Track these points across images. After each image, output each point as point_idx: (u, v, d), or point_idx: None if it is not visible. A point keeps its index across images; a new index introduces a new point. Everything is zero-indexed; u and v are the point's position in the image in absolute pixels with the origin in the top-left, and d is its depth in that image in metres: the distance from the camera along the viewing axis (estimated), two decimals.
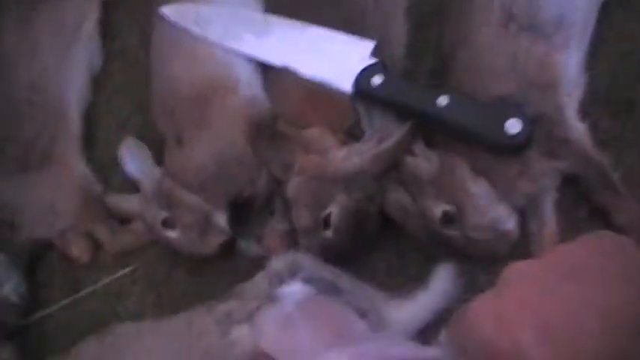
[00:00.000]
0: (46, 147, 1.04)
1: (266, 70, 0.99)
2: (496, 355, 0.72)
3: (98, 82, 1.12)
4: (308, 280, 0.86)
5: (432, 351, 0.80)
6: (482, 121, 0.84)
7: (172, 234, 0.95)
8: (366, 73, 0.91)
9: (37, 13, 1.09)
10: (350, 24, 0.94)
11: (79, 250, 1.02)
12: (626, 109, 0.89)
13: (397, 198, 0.88)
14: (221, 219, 0.94)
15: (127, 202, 1.01)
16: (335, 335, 0.82)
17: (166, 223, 0.95)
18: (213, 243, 0.93)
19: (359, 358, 0.79)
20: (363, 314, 0.84)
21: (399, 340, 0.84)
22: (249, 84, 0.98)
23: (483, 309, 0.76)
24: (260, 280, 0.88)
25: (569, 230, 0.85)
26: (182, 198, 0.94)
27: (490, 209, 0.84)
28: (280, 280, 0.87)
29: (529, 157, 0.84)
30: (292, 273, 0.87)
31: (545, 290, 0.74)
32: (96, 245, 1.03)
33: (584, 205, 0.87)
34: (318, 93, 0.94)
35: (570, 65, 0.87)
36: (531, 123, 0.83)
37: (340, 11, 0.95)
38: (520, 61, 0.86)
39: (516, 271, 0.78)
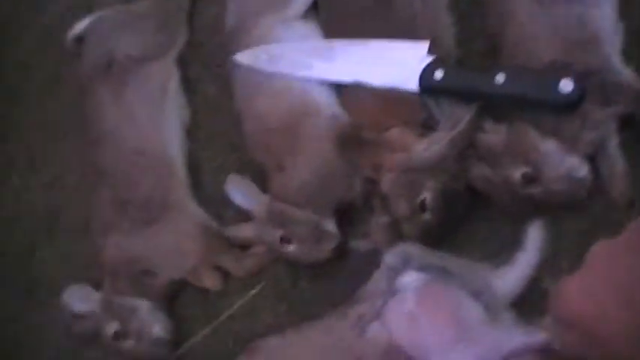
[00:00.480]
0: (162, 199, 1.21)
1: (339, 89, 1.14)
2: (584, 323, 0.79)
3: (191, 132, 1.28)
4: (420, 268, 0.99)
5: (541, 336, 0.90)
6: (538, 87, 0.97)
7: (290, 248, 1.10)
8: (427, 71, 1.05)
9: (128, 85, 1.27)
10: (402, 30, 1.09)
11: (210, 281, 1.19)
12: None
13: (479, 172, 1.02)
14: (330, 226, 1.09)
15: (244, 231, 1.17)
16: (455, 326, 0.94)
17: (283, 240, 1.10)
18: (327, 248, 1.09)
19: (481, 356, 0.92)
20: (476, 295, 0.97)
21: (511, 329, 0.96)
22: (328, 105, 1.13)
23: (572, 287, 0.82)
24: (378, 277, 1.01)
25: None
26: (293, 214, 1.09)
27: (562, 161, 0.97)
28: (396, 272, 1.00)
29: (587, 109, 0.97)
30: (405, 263, 1.00)
31: (628, 266, 0.79)
32: (224, 274, 1.19)
33: None
34: (389, 98, 1.08)
35: (606, 17, 1.00)
36: (582, 79, 0.96)
37: (392, 21, 1.10)
38: (560, 26, 0.99)
39: (601, 248, 0.83)
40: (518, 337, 0.92)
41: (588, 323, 0.77)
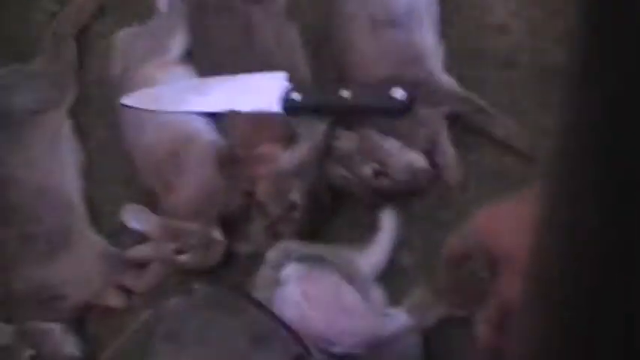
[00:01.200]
0: (64, 232, 1.39)
1: (217, 117, 1.36)
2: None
3: (87, 172, 1.47)
4: (300, 260, 1.21)
5: (408, 321, 1.11)
6: (376, 97, 1.24)
7: (184, 258, 1.30)
8: (287, 94, 1.30)
9: (25, 134, 1.44)
10: (264, 64, 1.33)
11: (115, 300, 1.36)
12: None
13: (337, 172, 1.26)
14: (216, 234, 1.30)
15: (141, 250, 1.36)
16: (338, 310, 1.15)
17: (177, 251, 1.30)
18: (216, 253, 1.29)
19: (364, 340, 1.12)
20: (349, 279, 1.19)
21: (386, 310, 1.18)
22: (206, 132, 1.36)
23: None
24: (264, 271, 1.22)
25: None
26: (183, 227, 1.29)
27: (403, 156, 1.22)
28: (279, 265, 1.21)
29: (419, 112, 1.23)
30: (286, 257, 1.22)
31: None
32: (127, 292, 1.36)
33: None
34: (258, 121, 1.32)
35: (427, 37, 1.27)
36: (413, 89, 1.23)
37: (254, 57, 1.34)
38: (391, 49, 1.25)
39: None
40: (397, 319, 1.13)
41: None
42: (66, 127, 1.48)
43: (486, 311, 0.84)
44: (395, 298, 1.17)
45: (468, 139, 1.26)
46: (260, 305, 1.14)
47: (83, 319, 1.38)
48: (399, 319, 1.09)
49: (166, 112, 1.37)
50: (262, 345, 1.07)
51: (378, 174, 1.23)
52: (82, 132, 1.51)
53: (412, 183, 1.23)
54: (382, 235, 1.23)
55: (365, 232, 1.25)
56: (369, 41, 1.27)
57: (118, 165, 1.46)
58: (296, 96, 1.29)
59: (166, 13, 1.47)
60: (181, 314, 1.12)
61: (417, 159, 1.23)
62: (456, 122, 1.25)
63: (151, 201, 1.36)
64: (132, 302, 1.36)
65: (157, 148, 1.36)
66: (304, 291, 1.14)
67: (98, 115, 1.52)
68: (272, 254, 1.22)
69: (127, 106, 1.41)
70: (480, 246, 0.84)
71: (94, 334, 1.38)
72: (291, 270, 1.19)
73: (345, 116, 1.28)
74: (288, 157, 1.27)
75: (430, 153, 1.25)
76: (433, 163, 1.25)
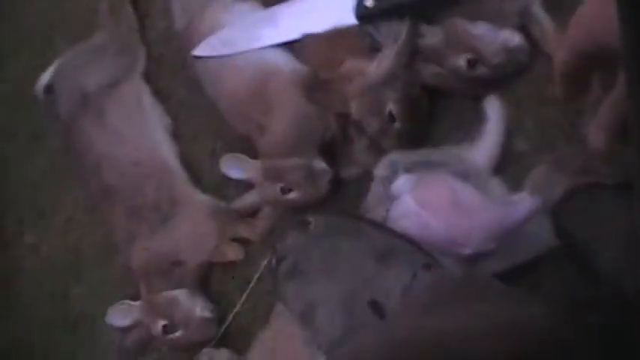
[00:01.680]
0: (169, 197, 1.46)
1: (291, 45, 1.40)
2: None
3: (176, 133, 1.55)
4: (409, 169, 1.24)
5: (533, 201, 1.12)
6: None
7: (292, 195, 1.35)
8: (359, 3, 1.31)
9: (106, 111, 1.53)
10: None
11: (232, 253, 1.44)
12: None
13: (429, 71, 1.27)
14: (320, 164, 1.33)
15: (248, 198, 1.42)
16: (458, 210, 1.18)
17: (284, 191, 1.35)
18: (323, 184, 1.33)
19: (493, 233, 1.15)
20: (464, 176, 1.22)
21: (507, 198, 1.21)
22: (285, 62, 1.38)
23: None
24: (374, 189, 1.24)
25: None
26: (285, 165, 1.34)
27: (496, 37, 1.22)
28: (389, 180, 1.25)
29: None
30: (394, 170, 1.25)
31: None
32: (243, 243, 1.44)
33: None
34: (334, 37, 1.35)
35: None
36: None
37: None
38: None
39: None
40: (521, 203, 1.13)
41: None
42: (145, 93, 1.56)
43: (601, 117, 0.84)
44: (516, 184, 1.20)
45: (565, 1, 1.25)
46: (376, 224, 1.17)
47: (207, 280, 1.48)
48: (523, 202, 1.11)
49: (240, 53, 1.43)
50: (388, 261, 1.10)
51: (472, 63, 1.23)
52: (161, 94, 1.59)
53: (511, 63, 1.23)
54: (490, 126, 1.23)
55: (472, 127, 1.26)
56: None
57: (206, 119, 1.53)
58: (369, 2, 1.31)
59: None
60: (300, 248, 1.16)
61: (510, 37, 1.22)
62: None
63: (246, 147, 1.43)
64: (250, 251, 1.45)
65: (240, 91, 1.39)
66: (420, 199, 1.17)
67: (173, 73, 1.59)
68: (379, 170, 1.24)
69: (199, 57, 1.47)
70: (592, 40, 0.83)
71: (221, 291, 1.47)
72: (401, 181, 1.20)
73: (425, 10, 1.29)
74: (375, 68, 1.28)
75: (525, 27, 1.25)
76: (530, 38, 1.25)
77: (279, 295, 1.21)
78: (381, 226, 1.17)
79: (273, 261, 1.21)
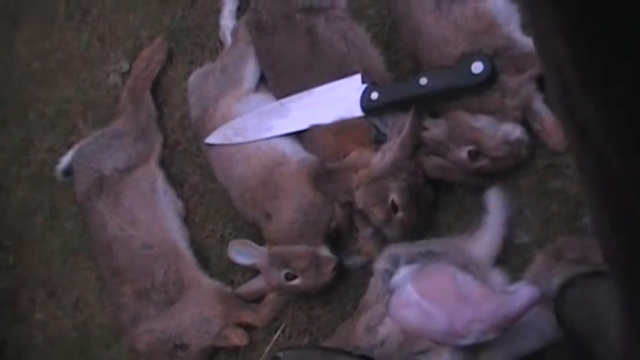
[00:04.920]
0: (177, 280, 1.46)
1: (300, 135, 1.42)
2: None
3: (188, 218, 1.56)
4: (409, 262, 1.24)
5: (533, 291, 1.11)
6: (455, 77, 1.25)
7: (297, 281, 1.34)
8: (365, 95, 1.33)
9: (121, 194, 1.55)
10: (339, 71, 1.38)
11: (237, 337, 1.42)
12: None
13: (432, 163, 1.28)
14: (325, 251, 1.34)
15: (254, 284, 1.42)
16: (458, 299, 1.17)
17: (289, 277, 1.35)
18: (327, 271, 1.33)
19: (494, 324, 1.14)
20: (464, 266, 1.21)
21: (507, 289, 1.20)
22: (294, 152, 1.41)
23: None
24: (374, 283, 1.25)
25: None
26: (290, 252, 1.34)
27: (497, 130, 1.23)
28: (389, 274, 1.24)
29: (504, 80, 1.24)
30: (395, 263, 1.25)
31: None
32: (247, 328, 1.43)
33: None
34: (341, 129, 1.36)
35: (497, 3, 1.28)
36: (489, 58, 1.24)
37: (326, 65, 1.38)
38: (460, 24, 1.27)
39: None
40: (521, 293, 1.13)
41: None
42: (159, 178, 1.58)
43: None
44: (517, 275, 1.18)
45: None
46: (349, 354, 1.18)
47: None
48: (523, 292, 1.10)
49: (252, 142, 1.45)
50: None
51: (474, 155, 1.24)
52: (175, 180, 1.61)
53: (512, 156, 1.24)
54: (491, 217, 1.23)
55: (474, 218, 1.26)
56: (437, 21, 1.29)
57: (216, 205, 1.54)
58: (374, 95, 1.32)
59: (232, 45, 1.54)
60: None
61: (511, 130, 1.23)
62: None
63: (254, 233, 1.43)
64: (254, 337, 1.43)
65: (250, 179, 1.41)
66: (421, 289, 1.16)
67: (187, 160, 1.61)
68: (379, 264, 1.24)
69: (212, 144, 1.49)
70: None
71: None
72: (402, 273, 1.20)
73: (428, 103, 1.31)
74: (379, 159, 1.30)
75: (526, 121, 1.26)
76: (532, 132, 1.26)
77: None
78: (350, 352, 1.18)
79: None
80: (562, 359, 1.12)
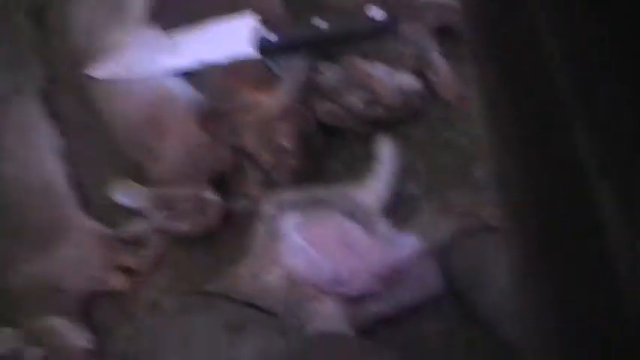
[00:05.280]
0: (55, 221, 1.39)
1: (189, 73, 1.36)
2: None
3: (68, 155, 1.48)
4: (297, 208, 1.22)
5: (419, 242, 1.12)
6: (354, 22, 1.23)
7: (180, 225, 1.30)
8: (260, 36, 1.29)
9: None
10: (233, 7, 1.32)
11: (118, 282, 1.37)
12: None
13: (325, 108, 1.25)
14: (210, 194, 1.29)
15: (136, 227, 1.36)
16: (344, 248, 1.16)
17: (172, 220, 1.30)
18: (212, 214, 1.29)
19: (379, 274, 1.13)
20: (351, 215, 1.20)
21: (394, 239, 1.19)
22: (182, 90, 1.35)
23: None
24: (260, 229, 1.22)
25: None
26: (173, 193, 1.30)
27: (393, 79, 1.21)
28: (276, 220, 1.22)
29: (402, 29, 1.22)
30: (282, 209, 1.22)
31: None
32: (129, 272, 1.38)
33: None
34: (233, 69, 1.31)
35: None
36: (392, 5, 1.22)
37: (221, 2, 1.33)
38: None
39: None
40: (407, 245, 1.13)
41: None
42: (37, 112, 1.49)
43: None
44: (404, 226, 1.18)
45: (461, 50, 1.25)
46: (229, 297, 1.16)
47: (89, 309, 1.40)
48: (409, 244, 1.10)
49: (139, 78, 1.38)
50: (241, 332, 1.09)
51: (368, 103, 1.22)
52: (56, 115, 1.52)
53: (406, 106, 1.23)
54: (381, 166, 1.22)
55: (364, 167, 1.24)
56: None
57: (99, 143, 1.47)
58: (270, 36, 1.28)
59: None
60: (155, 328, 1.15)
61: (407, 80, 1.22)
62: (447, 35, 1.24)
63: (138, 173, 1.37)
64: (135, 282, 1.38)
65: (135, 117, 1.34)
66: (307, 237, 1.14)
67: (69, 94, 1.52)
68: (266, 209, 1.21)
69: (95, 78, 1.42)
70: None
71: (103, 322, 1.40)
72: (289, 220, 1.19)
73: (325, 48, 1.27)
74: (271, 102, 1.26)
75: (422, 72, 1.24)
76: (427, 83, 1.24)
77: None
78: (234, 299, 1.16)
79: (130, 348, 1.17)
80: (446, 310, 1.12)
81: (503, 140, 0.63)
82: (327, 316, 1.12)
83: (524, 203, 0.66)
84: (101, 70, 1.40)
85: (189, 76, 1.36)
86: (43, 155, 1.44)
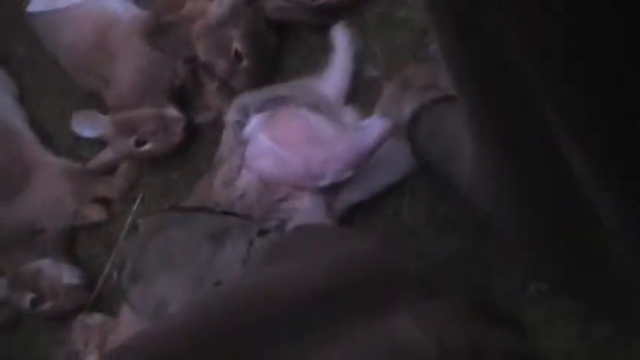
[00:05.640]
0: (21, 164, 1.37)
1: None
2: None
3: (23, 97, 1.45)
4: (259, 109, 1.19)
5: (385, 123, 1.10)
6: None
7: (147, 146, 1.28)
8: None
9: None
10: None
11: (95, 214, 1.36)
12: None
13: (273, 5, 1.22)
14: (172, 111, 1.27)
15: (103, 156, 1.35)
16: (312, 140, 1.14)
17: (138, 143, 1.28)
18: (177, 131, 1.27)
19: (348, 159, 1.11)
20: (314, 107, 1.17)
21: (360, 124, 1.17)
22: (124, 8, 1.31)
23: None
24: (226, 137, 1.20)
25: None
26: (136, 116, 1.27)
27: None
28: (240, 125, 1.20)
29: None
30: (245, 114, 1.20)
31: None
32: (104, 201, 1.37)
33: None
34: None
35: None
36: None
37: None
38: None
39: None
40: (372, 127, 1.12)
41: None
42: None
43: None
44: (369, 110, 1.16)
45: None
46: (205, 208, 1.14)
47: (71, 246, 1.40)
48: (375, 125, 1.08)
49: (77, 4, 1.33)
50: (223, 240, 1.09)
51: None
52: (6, 57, 1.49)
53: None
54: (338, 54, 1.19)
55: (321, 58, 1.22)
56: None
57: (51, 78, 1.44)
58: None
59: None
60: (136, 252, 1.13)
61: None
62: None
63: (96, 103, 1.34)
64: (113, 210, 1.38)
65: (81, 45, 1.30)
66: (273, 136, 1.12)
67: (11, 32, 1.49)
68: (230, 115, 1.19)
69: (35, 13, 1.37)
70: None
71: (88, 255, 1.39)
72: (253, 122, 1.16)
73: None
74: (216, 7, 1.22)
75: None
76: None
77: (128, 302, 1.15)
78: (211, 209, 1.14)
79: (115, 273, 1.15)
80: (419, 187, 1.11)
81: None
82: (305, 211, 1.11)
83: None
84: (40, 3, 1.36)
85: None
86: (0, 100, 1.42)
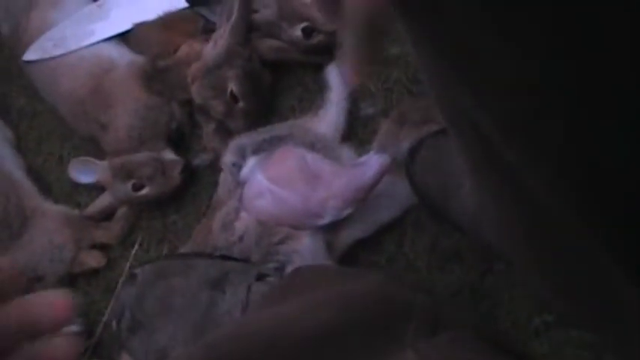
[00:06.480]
0: (19, 212, 1.36)
1: (124, 37, 1.33)
2: None
3: (20, 144, 1.45)
4: (256, 150, 1.20)
5: (382, 159, 1.10)
6: None
7: (145, 191, 1.28)
8: None
9: None
10: None
11: (94, 260, 1.35)
12: None
13: (267, 45, 1.23)
14: (169, 154, 1.28)
15: (102, 202, 1.34)
16: (310, 179, 1.14)
17: (136, 187, 1.28)
18: (175, 174, 1.27)
19: (348, 198, 1.11)
20: (311, 146, 1.18)
21: (358, 161, 1.17)
22: (120, 55, 1.32)
23: None
24: (224, 179, 1.20)
25: None
26: (133, 161, 1.27)
27: None
28: (238, 166, 1.20)
29: None
30: (242, 155, 1.20)
31: None
32: (103, 247, 1.36)
33: None
34: (167, 23, 1.28)
35: None
36: None
37: None
38: None
39: None
40: (370, 163, 1.11)
41: None
42: None
43: None
44: (367, 148, 1.16)
45: None
46: (204, 255, 1.14)
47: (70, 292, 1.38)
48: (373, 161, 1.08)
49: (73, 52, 1.34)
50: (222, 286, 1.08)
51: (308, 32, 1.19)
52: (4, 108, 1.50)
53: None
54: (333, 93, 1.20)
55: (316, 97, 1.22)
56: None
57: (48, 126, 1.44)
58: None
59: None
60: (134, 301, 1.12)
61: None
62: None
63: (94, 149, 1.35)
64: (111, 254, 1.37)
65: (78, 91, 1.31)
66: (271, 176, 1.12)
67: (8, 83, 1.49)
68: (227, 158, 1.18)
69: (31, 61, 1.38)
70: None
71: (87, 302, 1.37)
72: (251, 163, 1.16)
73: None
74: (211, 49, 1.24)
75: None
76: None
77: (129, 352, 1.14)
78: (209, 254, 1.13)
79: (114, 323, 1.14)
80: (420, 221, 1.11)
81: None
82: (305, 252, 1.11)
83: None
84: (35, 52, 1.37)
85: (125, 39, 1.33)
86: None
